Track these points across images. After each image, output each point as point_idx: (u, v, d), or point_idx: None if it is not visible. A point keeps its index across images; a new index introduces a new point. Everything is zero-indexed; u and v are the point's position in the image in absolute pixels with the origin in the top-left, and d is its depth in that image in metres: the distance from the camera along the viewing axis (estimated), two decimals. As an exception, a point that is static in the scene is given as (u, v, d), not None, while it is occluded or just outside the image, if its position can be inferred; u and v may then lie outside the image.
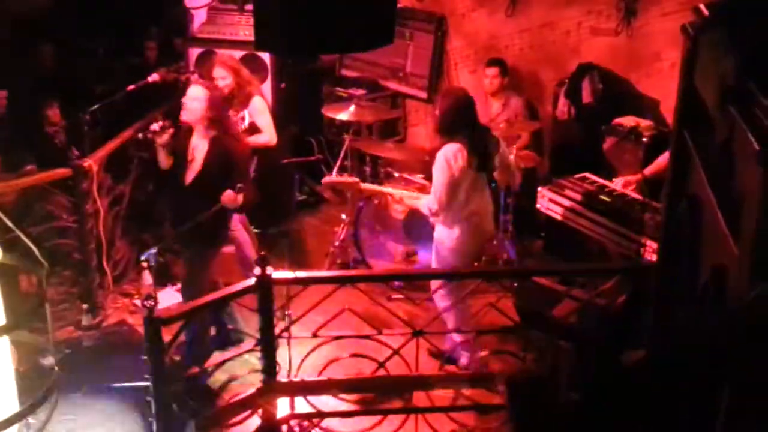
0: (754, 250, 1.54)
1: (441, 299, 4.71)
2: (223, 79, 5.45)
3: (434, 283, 4.67)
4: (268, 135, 5.70)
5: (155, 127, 4.67)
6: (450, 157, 4.55)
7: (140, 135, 4.84)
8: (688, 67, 2.35)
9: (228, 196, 4.47)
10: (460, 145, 4.57)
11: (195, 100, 4.57)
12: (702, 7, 2.36)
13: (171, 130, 4.68)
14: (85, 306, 5.40)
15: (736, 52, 1.94)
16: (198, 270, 4.79)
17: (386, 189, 5.35)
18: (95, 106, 5.64)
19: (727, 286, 1.68)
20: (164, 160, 4.71)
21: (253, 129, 5.69)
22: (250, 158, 5.27)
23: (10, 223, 2.75)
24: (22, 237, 2.59)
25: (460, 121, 4.64)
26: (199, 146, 4.67)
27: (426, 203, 4.71)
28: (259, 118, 5.71)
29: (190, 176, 4.68)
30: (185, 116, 4.62)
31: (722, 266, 1.71)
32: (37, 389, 2.84)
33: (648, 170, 5.04)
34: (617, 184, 5.21)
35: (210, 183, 4.58)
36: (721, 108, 1.96)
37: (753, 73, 1.80)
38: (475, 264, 5.28)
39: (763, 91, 1.69)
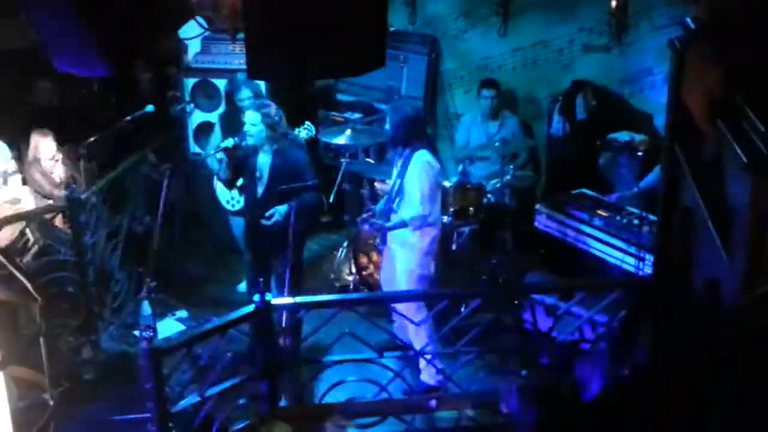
0: (745, 260, 1.54)
1: (416, 314, 4.67)
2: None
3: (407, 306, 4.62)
4: None
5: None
6: (430, 160, 4.68)
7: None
8: (676, 81, 2.36)
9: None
10: (426, 150, 4.70)
11: (254, 125, 4.88)
12: (689, 21, 2.37)
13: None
14: (83, 339, 5.37)
15: (723, 67, 1.95)
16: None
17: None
18: (92, 139, 5.65)
19: (720, 298, 1.68)
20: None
21: None
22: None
23: (4, 260, 2.75)
24: (15, 273, 2.59)
25: (418, 129, 4.84)
26: (265, 162, 4.99)
27: (413, 214, 4.66)
28: None
29: (260, 190, 5.03)
30: (250, 141, 4.95)
31: (715, 279, 1.71)
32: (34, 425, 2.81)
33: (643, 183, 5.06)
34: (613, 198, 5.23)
35: (278, 193, 4.85)
36: (710, 121, 1.96)
37: (740, 87, 1.81)
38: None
39: (749, 105, 1.70)
